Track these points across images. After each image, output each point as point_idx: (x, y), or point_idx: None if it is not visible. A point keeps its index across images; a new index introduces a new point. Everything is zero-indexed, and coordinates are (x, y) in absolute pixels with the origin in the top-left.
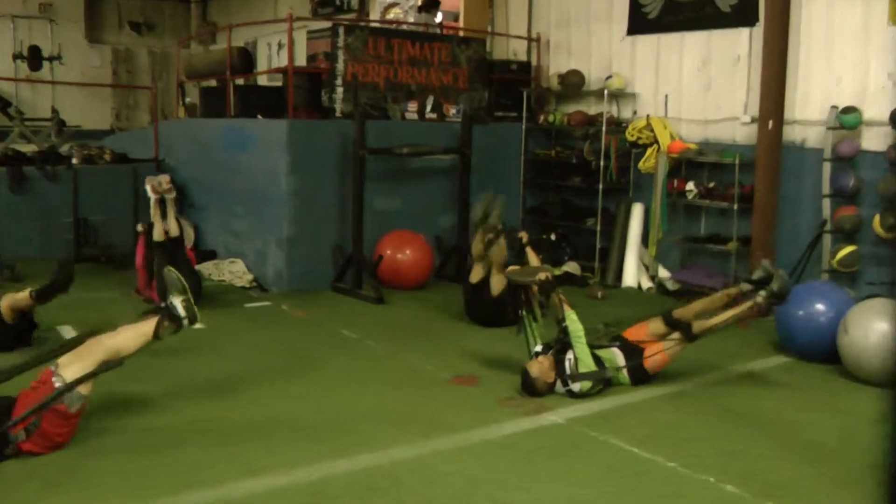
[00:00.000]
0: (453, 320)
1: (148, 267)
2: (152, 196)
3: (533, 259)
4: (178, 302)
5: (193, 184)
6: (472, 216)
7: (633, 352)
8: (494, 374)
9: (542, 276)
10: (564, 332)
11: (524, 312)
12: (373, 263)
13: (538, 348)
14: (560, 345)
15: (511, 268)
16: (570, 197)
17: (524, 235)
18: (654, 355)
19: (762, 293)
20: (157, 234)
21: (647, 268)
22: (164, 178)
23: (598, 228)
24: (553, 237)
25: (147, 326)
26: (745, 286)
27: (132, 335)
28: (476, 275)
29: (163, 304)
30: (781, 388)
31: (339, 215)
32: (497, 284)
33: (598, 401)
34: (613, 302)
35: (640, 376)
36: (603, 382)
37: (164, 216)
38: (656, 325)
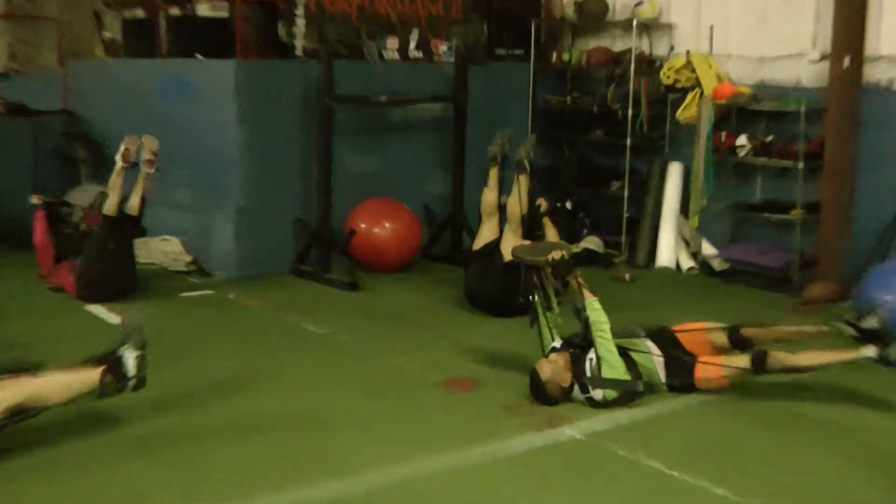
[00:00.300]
0: (446, 309)
1: (56, 245)
2: (120, 163)
3: (551, 233)
4: (131, 357)
5: (116, 141)
6: (488, 154)
7: (677, 365)
8: (497, 377)
9: (556, 254)
10: (585, 324)
11: (536, 299)
12: (344, 239)
13: (556, 344)
14: (583, 341)
15: (520, 244)
16: (590, 155)
17: (543, 203)
18: (709, 377)
19: (872, 352)
20: (110, 208)
21: (687, 243)
22: (151, 143)
23: (626, 194)
24: (568, 205)
25: (86, 377)
26: (847, 329)
27: (64, 383)
28: (486, 235)
29: (113, 353)
30: (861, 390)
31: (301, 180)
32: (510, 245)
33: (627, 409)
34: (645, 286)
35: (683, 388)
36: (632, 396)
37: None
38: (718, 338)
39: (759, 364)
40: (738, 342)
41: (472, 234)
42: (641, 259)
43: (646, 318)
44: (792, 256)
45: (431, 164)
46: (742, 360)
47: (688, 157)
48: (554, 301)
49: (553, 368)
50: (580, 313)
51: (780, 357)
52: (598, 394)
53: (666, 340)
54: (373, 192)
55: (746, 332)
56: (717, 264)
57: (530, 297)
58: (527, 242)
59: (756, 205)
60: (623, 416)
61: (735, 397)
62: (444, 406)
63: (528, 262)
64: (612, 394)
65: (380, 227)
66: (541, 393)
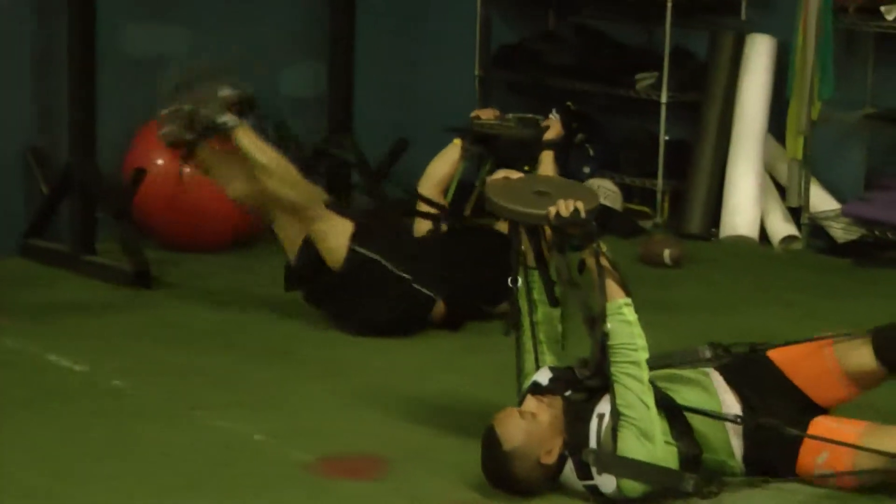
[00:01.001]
0: (323, 321)
1: None
2: None
3: (548, 167)
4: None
5: None
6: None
7: (772, 437)
8: (421, 451)
9: (565, 206)
10: (602, 346)
11: (521, 283)
12: (125, 190)
13: (540, 378)
14: (593, 376)
15: (501, 178)
16: (594, 24)
17: (553, 125)
18: (824, 470)
19: None
20: None
21: (782, 192)
22: None
23: (665, 97)
24: (555, 116)
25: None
26: None
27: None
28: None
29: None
30: None
31: (38, 77)
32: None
33: None
34: (702, 273)
35: (771, 468)
36: (677, 489)
37: None
38: (860, 357)
39: None
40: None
41: (369, 174)
42: (695, 222)
43: (707, 334)
44: None
45: (288, 44)
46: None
47: (786, 24)
48: (559, 291)
49: (528, 429)
50: (595, 323)
51: None
52: (607, 483)
53: (756, 378)
54: None
55: None
56: (843, 230)
57: (513, 279)
58: (504, 177)
59: None
60: None
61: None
62: None
63: (514, 216)
64: (635, 487)
65: (191, 167)
66: (502, 474)
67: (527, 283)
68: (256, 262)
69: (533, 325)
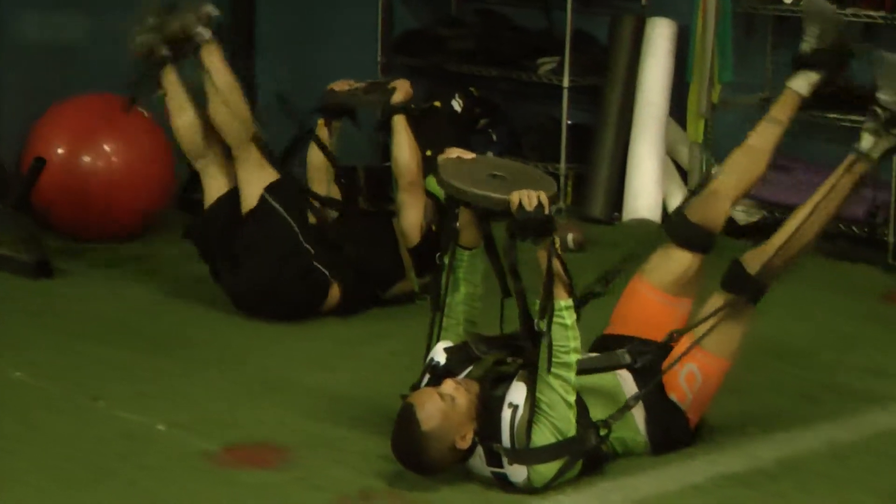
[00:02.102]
0: (226, 310)
1: None
2: None
3: (401, 132)
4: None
5: None
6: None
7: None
8: (324, 439)
9: (530, 196)
10: (534, 340)
11: (446, 258)
12: (23, 179)
13: (437, 356)
14: (506, 365)
15: (452, 156)
16: (497, 8)
17: (399, 86)
18: (681, 366)
19: (869, 133)
20: None
21: (684, 175)
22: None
23: (567, 81)
24: (456, 105)
25: None
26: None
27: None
28: (215, 186)
29: None
30: None
31: None
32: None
33: (579, 493)
34: (605, 257)
35: (665, 433)
36: (579, 455)
37: None
38: (668, 263)
39: (740, 281)
40: (735, 282)
41: (275, 163)
42: (598, 206)
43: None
44: (883, 197)
45: None
46: (715, 301)
47: (685, 8)
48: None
49: (446, 411)
50: (530, 323)
51: (763, 253)
52: (518, 472)
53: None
54: (78, 84)
55: (749, 258)
56: (743, 213)
57: (440, 256)
58: (465, 155)
59: (817, 97)
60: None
61: (790, 470)
62: (220, 500)
63: (476, 200)
64: (545, 476)
65: (93, 155)
66: (415, 455)
67: (452, 261)
68: (159, 251)
69: (448, 303)
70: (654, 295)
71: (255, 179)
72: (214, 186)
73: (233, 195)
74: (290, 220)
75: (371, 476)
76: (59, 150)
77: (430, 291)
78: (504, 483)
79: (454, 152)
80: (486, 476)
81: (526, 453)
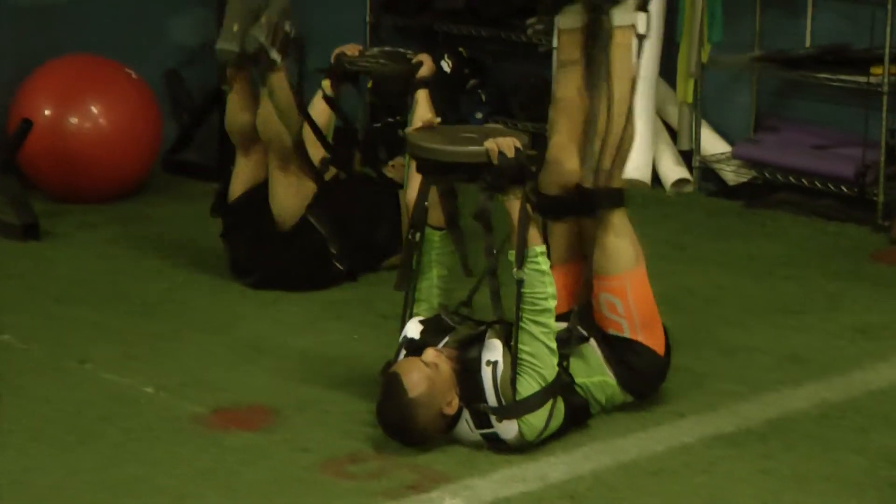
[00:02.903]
0: (215, 275)
1: None
2: None
3: (424, 110)
4: None
5: None
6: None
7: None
8: (311, 403)
9: (507, 142)
10: (496, 293)
11: (418, 238)
12: (9, 141)
13: (410, 333)
14: (475, 328)
15: (423, 125)
16: None
17: (425, 61)
18: (597, 304)
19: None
20: None
21: (673, 135)
22: None
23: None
24: (446, 65)
25: None
26: None
27: None
28: (245, 174)
29: None
30: None
31: None
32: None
33: (568, 453)
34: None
35: (629, 368)
36: (573, 413)
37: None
38: (559, 232)
39: (587, 201)
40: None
41: None
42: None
43: None
44: (873, 156)
45: None
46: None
47: None
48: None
49: (432, 377)
50: (491, 273)
51: (591, 162)
52: (508, 429)
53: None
54: (63, 45)
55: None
56: (733, 173)
57: (412, 234)
58: (432, 122)
59: (806, 57)
60: (558, 466)
61: (777, 431)
62: (207, 462)
63: (453, 157)
64: (535, 427)
65: (80, 116)
66: (402, 423)
67: (422, 241)
68: (146, 212)
69: (421, 283)
70: (553, 272)
71: (294, 193)
72: (247, 171)
73: (262, 188)
74: (327, 238)
75: (359, 438)
76: (46, 112)
77: (401, 270)
78: (495, 443)
79: (419, 121)
80: (476, 440)
81: (514, 407)
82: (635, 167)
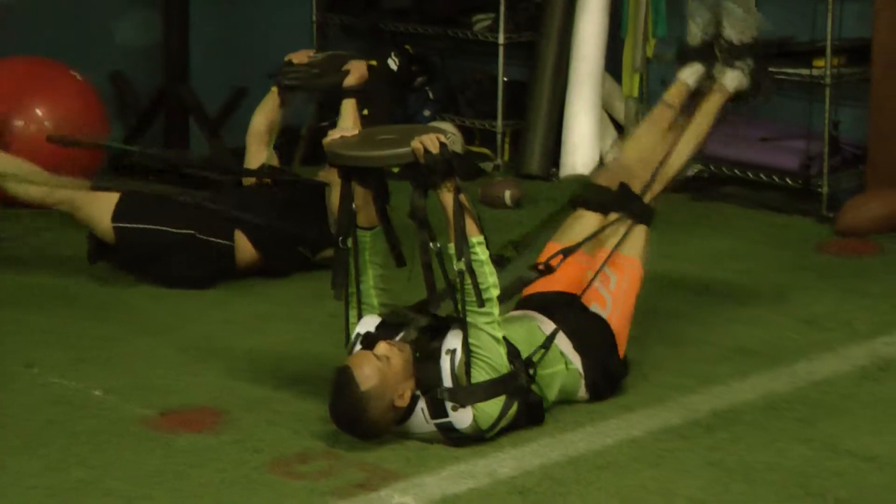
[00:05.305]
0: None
1: None
2: None
3: (347, 121)
4: None
5: None
6: None
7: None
8: (260, 402)
9: (431, 139)
10: (452, 286)
11: (349, 244)
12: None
13: (361, 329)
14: (438, 317)
15: (340, 135)
16: None
17: (353, 70)
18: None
19: (718, 60)
20: None
21: (620, 129)
22: None
23: (502, 38)
24: (393, 63)
25: None
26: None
27: None
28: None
29: None
30: None
31: None
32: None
33: (517, 448)
34: (543, 211)
35: (595, 356)
36: (517, 393)
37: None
38: (587, 222)
39: (635, 205)
40: (607, 200)
41: (207, 123)
42: (535, 163)
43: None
44: (817, 148)
45: None
46: (613, 219)
47: None
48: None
49: (383, 370)
50: (444, 262)
51: (652, 180)
52: (463, 417)
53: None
54: (7, 47)
55: (605, 178)
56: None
57: (342, 240)
58: (347, 133)
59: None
60: (506, 460)
61: (730, 422)
62: (155, 464)
63: (377, 162)
64: (490, 415)
65: (25, 119)
66: (354, 416)
67: (356, 243)
68: None
69: (360, 286)
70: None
71: (97, 217)
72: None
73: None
74: (152, 226)
75: (309, 437)
76: None
77: (336, 279)
78: (450, 433)
79: (335, 133)
80: (430, 432)
81: (467, 391)
82: (583, 162)
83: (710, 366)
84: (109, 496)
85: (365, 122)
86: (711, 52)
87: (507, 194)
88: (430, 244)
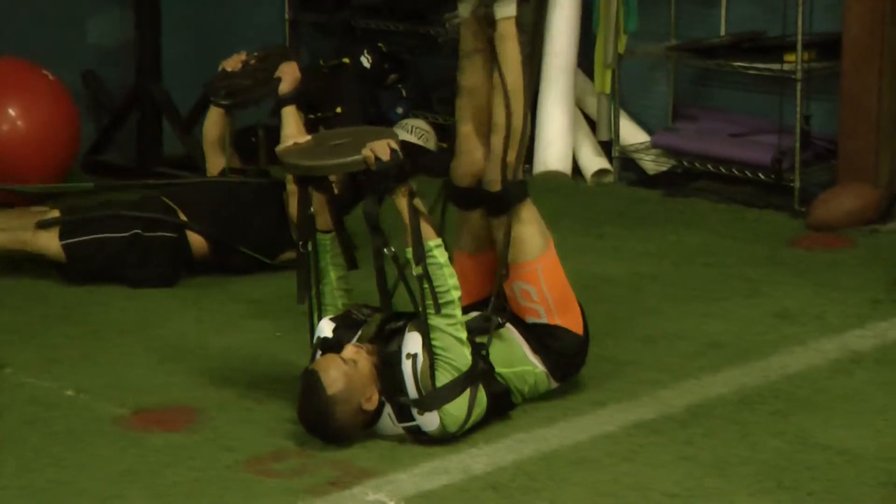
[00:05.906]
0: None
1: None
2: None
3: (291, 129)
4: None
5: None
6: None
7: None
8: (234, 402)
9: (381, 146)
10: (385, 292)
11: (310, 248)
12: None
13: (325, 331)
14: (394, 322)
15: (292, 143)
16: None
17: (285, 76)
18: (511, 292)
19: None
20: None
21: (593, 126)
22: None
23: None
24: (366, 61)
25: None
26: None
27: None
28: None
29: None
30: None
31: None
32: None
33: (490, 444)
34: None
35: (549, 351)
36: (495, 403)
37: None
38: (474, 222)
39: (495, 202)
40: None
41: (179, 123)
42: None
43: None
44: (788, 143)
45: None
46: (496, 227)
47: None
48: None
49: (350, 374)
50: (404, 267)
51: (495, 160)
52: (430, 421)
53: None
54: None
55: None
56: (652, 163)
57: (303, 245)
58: (300, 139)
59: (721, 45)
60: (482, 457)
61: (700, 416)
62: (129, 463)
63: (330, 170)
64: (456, 418)
65: None
66: (322, 420)
67: (315, 248)
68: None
69: (324, 288)
70: (467, 260)
71: (45, 247)
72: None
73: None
74: (97, 235)
75: (282, 436)
76: None
77: (300, 283)
78: (418, 436)
79: (289, 140)
80: (399, 434)
81: (432, 397)
82: (556, 158)
83: (684, 360)
84: (83, 496)
85: (338, 120)
86: None
87: None
88: (385, 249)
